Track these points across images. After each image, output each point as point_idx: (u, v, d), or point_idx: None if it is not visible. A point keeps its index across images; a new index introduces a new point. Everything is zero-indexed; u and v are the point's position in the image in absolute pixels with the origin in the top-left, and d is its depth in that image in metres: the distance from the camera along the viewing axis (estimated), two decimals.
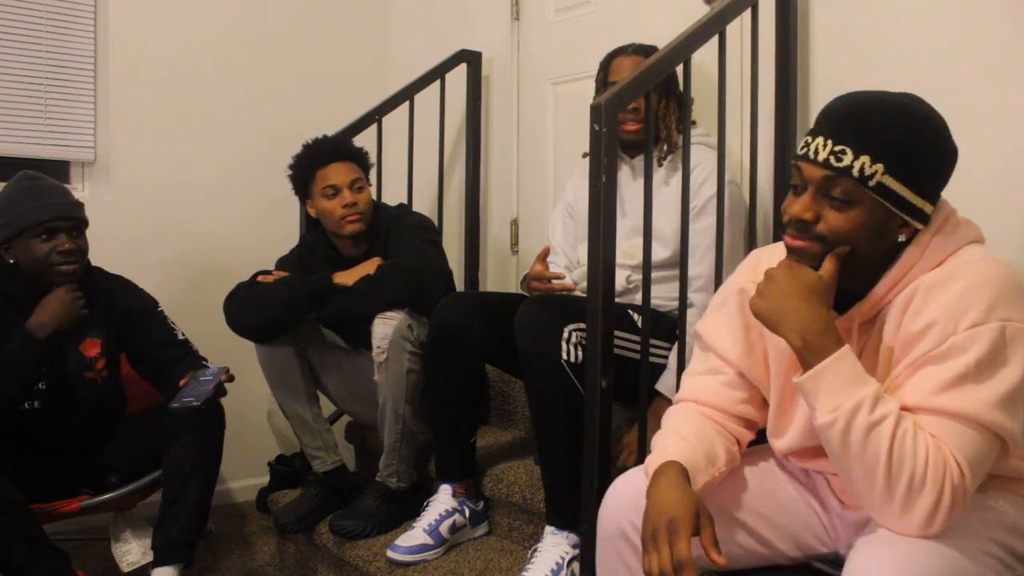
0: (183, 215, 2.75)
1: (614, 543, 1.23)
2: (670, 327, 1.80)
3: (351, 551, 2.00)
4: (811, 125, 1.12)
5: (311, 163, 2.17)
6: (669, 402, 1.62)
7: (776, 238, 1.82)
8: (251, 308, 2.06)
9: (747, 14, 1.80)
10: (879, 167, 1.04)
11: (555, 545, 1.67)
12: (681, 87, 1.78)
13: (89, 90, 2.59)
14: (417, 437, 2.07)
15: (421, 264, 2.02)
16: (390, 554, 1.87)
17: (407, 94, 2.69)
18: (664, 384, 1.79)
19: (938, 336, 1.02)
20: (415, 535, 1.89)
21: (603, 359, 1.46)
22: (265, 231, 2.79)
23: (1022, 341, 1.01)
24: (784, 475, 1.31)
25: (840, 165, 1.05)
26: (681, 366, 1.63)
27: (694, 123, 1.89)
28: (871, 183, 1.04)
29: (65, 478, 1.96)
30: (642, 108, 1.78)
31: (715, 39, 1.68)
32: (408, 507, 2.06)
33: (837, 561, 1.21)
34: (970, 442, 1.00)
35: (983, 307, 1.01)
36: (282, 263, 2.24)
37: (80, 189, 2.63)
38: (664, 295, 1.84)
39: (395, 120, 2.70)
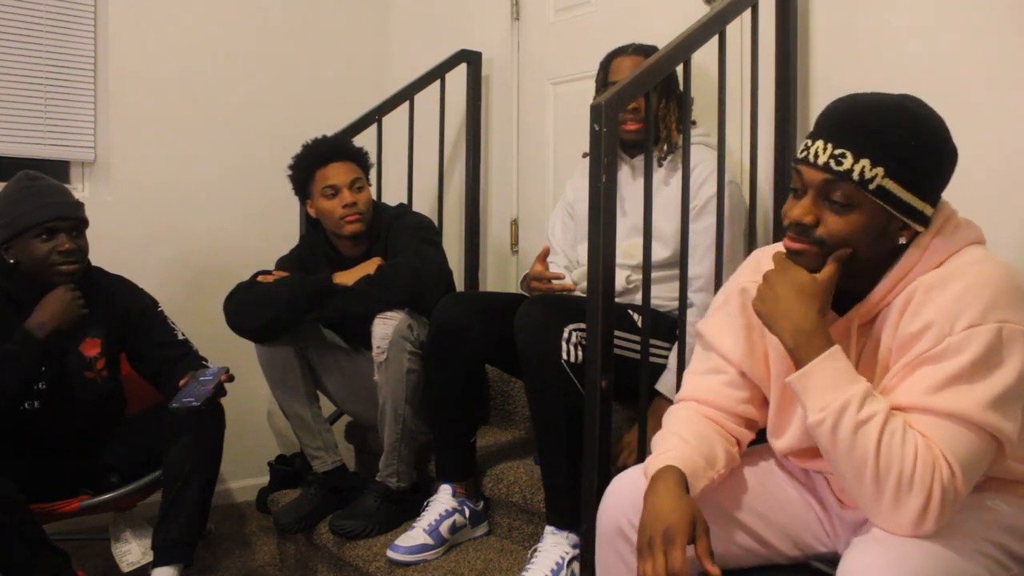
0: (183, 215, 2.75)
1: (613, 541, 1.23)
2: (670, 327, 1.80)
3: (351, 551, 2.00)
4: (811, 126, 1.12)
5: (311, 163, 2.17)
6: (669, 402, 1.62)
7: (776, 238, 1.82)
8: (251, 308, 2.06)
9: (747, 14, 1.80)
10: (879, 170, 1.04)
11: (555, 545, 1.67)
12: (681, 87, 1.78)
13: (89, 90, 2.59)
14: (417, 437, 2.07)
15: (421, 264, 2.02)
16: (390, 554, 1.87)
17: (407, 94, 2.69)
18: (664, 384, 1.79)
19: (935, 336, 1.02)
20: (415, 535, 1.89)
21: (603, 359, 1.46)
22: (265, 231, 2.79)
23: (1019, 343, 1.00)
24: (784, 475, 1.31)
25: (840, 169, 1.05)
26: (681, 366, 1.63)
27: (694, 123, 1.88)
28: (872, 187, 1.05)
29: (65, 478, 1.96)
30: (642, 108, 1.78)
31: (715, 39, 1.68)
32: (408, 507, 2.06)
33: (836, 561, 1.20)
34: (963, 442, 1.00)
35: (980, 308, 1.01)
36: (282, 263, 2.24)
37: (80, 189, 2.63)
38: (664, 295, 1.84)
39: (395, 120, 2.70)
